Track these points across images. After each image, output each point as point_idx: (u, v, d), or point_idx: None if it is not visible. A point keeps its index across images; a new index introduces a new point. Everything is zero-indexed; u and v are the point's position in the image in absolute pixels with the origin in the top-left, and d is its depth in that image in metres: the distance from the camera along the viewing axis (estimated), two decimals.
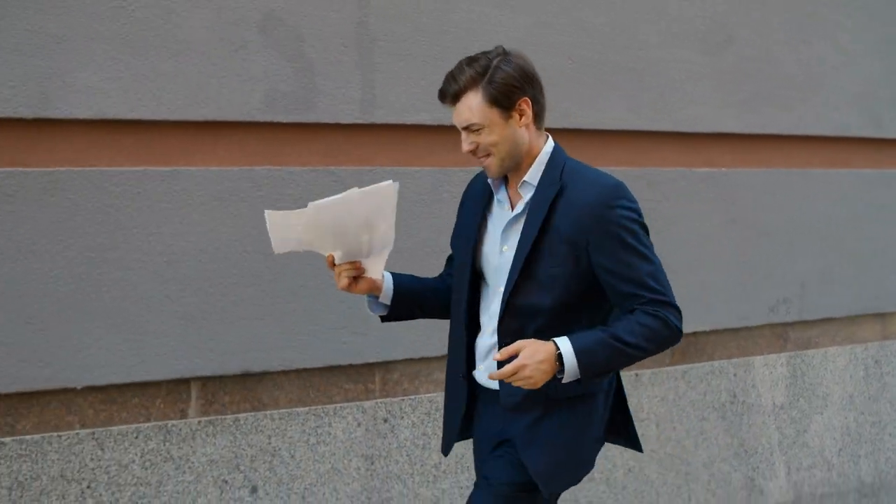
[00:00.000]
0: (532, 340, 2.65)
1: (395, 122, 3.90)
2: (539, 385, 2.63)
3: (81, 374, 3.47)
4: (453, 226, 2.98)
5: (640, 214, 2.73)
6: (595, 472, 4.33)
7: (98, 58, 3.44)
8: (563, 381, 2.65)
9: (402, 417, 3.96)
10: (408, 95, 3.92)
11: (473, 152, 2.74)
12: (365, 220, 2.69)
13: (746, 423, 4.69)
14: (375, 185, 2.69)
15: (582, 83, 4.27)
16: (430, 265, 3.38)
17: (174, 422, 3.61)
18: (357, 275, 2.78)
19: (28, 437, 3.41)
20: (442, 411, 3.20)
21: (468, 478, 4.06)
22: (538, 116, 2.77)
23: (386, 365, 3.95)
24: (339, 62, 3.80)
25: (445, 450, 3.03)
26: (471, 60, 2.72)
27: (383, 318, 2.96)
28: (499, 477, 2.79)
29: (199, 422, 3.64)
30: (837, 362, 4.94)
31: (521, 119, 2.73)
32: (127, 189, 3.50)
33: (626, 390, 4.34)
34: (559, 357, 2.62)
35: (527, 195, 2.78)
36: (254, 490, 3.71)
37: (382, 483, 3.93)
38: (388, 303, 2.90)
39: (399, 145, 3.95)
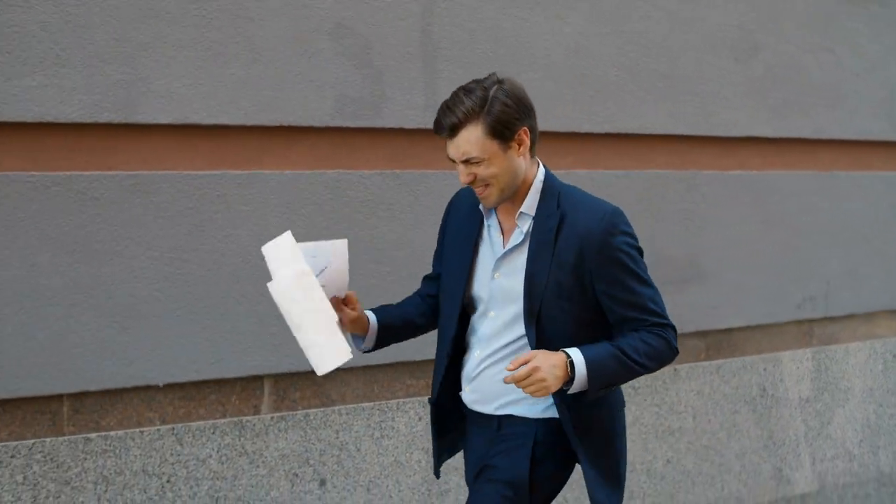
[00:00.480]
0: (543, 350, 2.66)
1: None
2: (551, 391, 2.63)
3: (163, 371, 3.58)
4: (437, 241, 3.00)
5: (636, 240, 2.76)
6: (636, 464, 4.49)
7: (179, 65, 3.55)
8: (570, 391, 2.66)
9: None
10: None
11: (471, 184, 2.71)
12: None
13: (775, 415, 4.88)
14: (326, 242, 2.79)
15: (626, 90, 4.42)
16: None
17: (248, 417, 3.72)
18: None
19: (112, 433, 3.51)
20: None
21: None
22: (533, 144, 2.74)
23: None
24: (404, 69, 3.93)
25: (435, 471, 3.14)
26: (467, 91, 2.68)
27: (366, 351, 3.00)
28: None
29: (272, 417, 3.76)
30: (858, 357, 5.15)
31: (519, 149, 2.70)
32: (206, 192, 3.61)
33: (665, 383, 4.54)
34: (570, 365, 2.63)
35: (524, 225, 2.77)
36: (322, 483, 3.83)
37: (441, 475, 4.06)
38: (372, 345, 2.95)
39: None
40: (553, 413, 2.78)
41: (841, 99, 5.00)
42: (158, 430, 3.58)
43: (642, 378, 4.43)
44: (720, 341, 4.75)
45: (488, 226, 2.84)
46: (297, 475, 3.80)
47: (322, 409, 3.84)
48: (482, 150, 2.65)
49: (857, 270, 5.09)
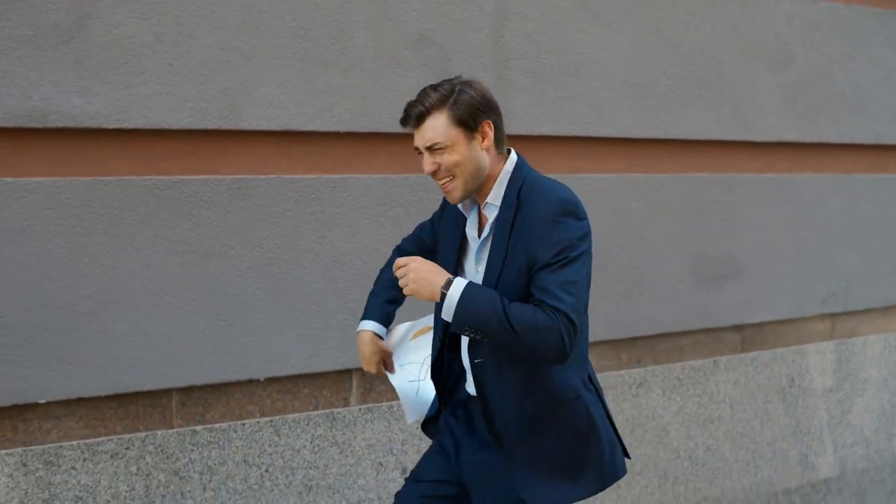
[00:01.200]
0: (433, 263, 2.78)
1: (525, 133, 4.25)
2: (416, 287, 2.69)
3: (263, 366, 3.75)
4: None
5: (582, 226, 2.72)
6: (680, 450, 4.75)
7: (279, 74, 3.72)
8: (443, 313, 2.68)
9: None
10: (535, 108, 4.27)
11: (435, 173, 2.76)
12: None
13: (802, 405, 5.17)
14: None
15: (673, 97, 4.66)
16: None
17: (339, 409, 3.91)
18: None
19: (216, 425, 3.68)
20: None
21: None
22: (498, 140, 2.80)
23: None
24: (478, 78, 4.12)
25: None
26: (434, 86, 2.78)
27: None
28: None
29: (360, 409, 3.95)
30: (875, 349, 5.45)
31: (483, 141, 2.76)
32: (302, 195, 3.79)
33: (706, 374, 4.78)
34: (448, 283, 2.67)
35: (491, 216, 2.81)
36: (404, 472, 4.03)
37: None
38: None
39: (528, 154, 4.29)
40: None
41: (861, 105, 5.30)
42: (258, 422, 3.75)
43: (686, 370, 4.71)
44: (754, 335, 5.02)
45: (470, 222, 2.89)
46: (381, 464, 4.00)
47: None
48: (446, 136, 2.72)
49: (874, 267, 5.39)
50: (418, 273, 2.71)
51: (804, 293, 5.15)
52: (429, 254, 3.01)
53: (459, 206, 2.87)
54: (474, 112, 2.75)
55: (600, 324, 4.50)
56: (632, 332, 4.60)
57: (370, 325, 3.06)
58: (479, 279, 2.80)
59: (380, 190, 3.95)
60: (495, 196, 2.80)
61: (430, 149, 2.75)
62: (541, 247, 2.68)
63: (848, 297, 5.30)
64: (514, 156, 2.85)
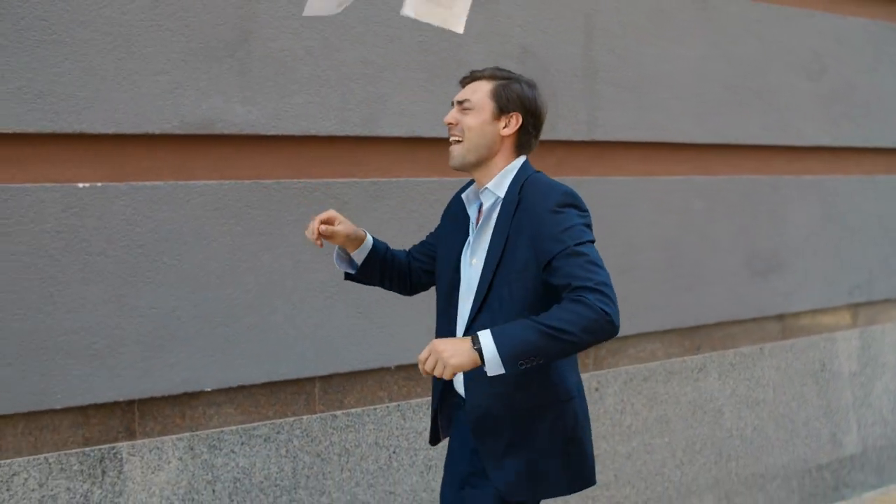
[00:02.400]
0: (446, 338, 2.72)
1: (607, 139, 4.61)
2: (454, 364, 2.60)
3: (393, 355, 4.05)
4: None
5: (584, 214, 2.77)
6: (733, 430, 5.16)
7: (407, 84, 4.02)
8: (488, 369, 2.61)
9: (608, 387, 4.69)
10: (616, 116, 4.63)
11: (451, 126, 2.84)
12: None
13: (832, 388, 5.62)
14: None
15: (728, 105, 5.06)
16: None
17: None
18: (329, 231, 2.92)
19: (352, 410, 3.98)
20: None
21: (655, 436, 4.82)
22: (522, 141, 2.87)
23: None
24: (571, 89, 4.48)
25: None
26: (509, 71, 2.92)
27: (347, 276, 3.11)
28: None
29: None
30: (892, 336, 5.94)
31: (504, 128, 2.83)
32: (427, 196, 4.10)
33: (753, 360, 5.19)
34: (476, 340, 2.61)
35: (487, 201, 2.85)
36: None
37: (595, 441, 4.65)
38: (360, 262, 3.03)
39: (609, 158, 4.66)
40: None
41: (882, 112, 5.77)
42: (387, 406, 4.05)
43: (738, 356, 5.12)
44: (792, 323, 5.46)
45: (471, 217, 2.94)
46: None
47: None
48: (478, 101, 2.82)
49: (891, 261, 5.87)
50: (444, 351, 2.62)
51: (834, 285, 5.60)
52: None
53: (464, 198, 2.95)
54: (514, 100, 2.84)
55: (669, 314, 4.90)
56: (694, 322, 4.99)
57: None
58: (474, 271, 2.85)
59: None
60: (497, 184, 2.84)
61: (460, 104, 2.85)
62: (549, 238, 2.69)
63: (870, 288, 5.77)
64: (523, 158, 2.90)
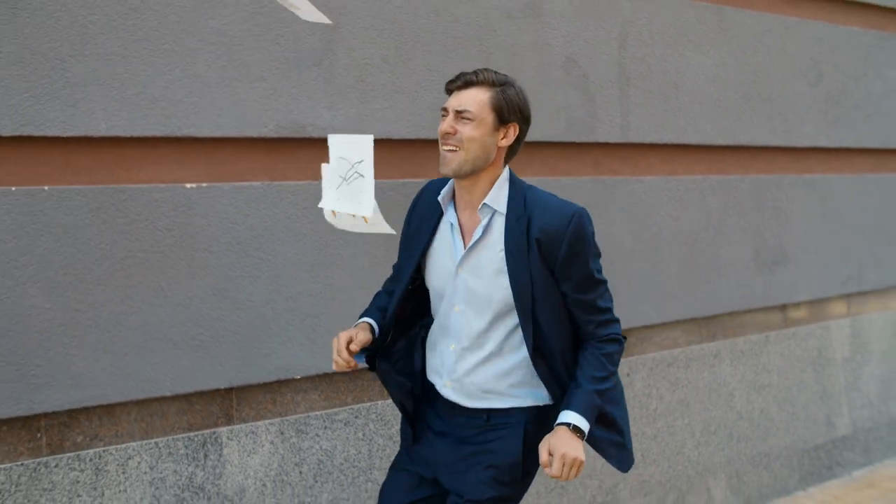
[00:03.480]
0: (546, 439, 2.84)
1: (637, 140, 4.93)
2: (582, 459, 2.80)
3: None
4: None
5: (594, 239, 2.92)
6: (743, 412, 5.52)
7: None
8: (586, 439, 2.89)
9: (637, 372, 5.02)
10: (646, 120, 4.96)
11: (447, 135, 2.83)
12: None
13: (827, 373, 6.02)
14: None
15: (740, 109, 5.42)
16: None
17: None
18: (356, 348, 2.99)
19: None
20: None
21: (677, 419, 5.16)
22: (513, 149, 2.93)
23: (626, 332, 5.00)
24: (607, 95, 4.80)
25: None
26: (493, 70, 2.92)
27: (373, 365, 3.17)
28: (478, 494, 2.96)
29: None
30: (877, 325, 6.36)
31: (503, 138, 2.87)
32: None
33: (760, 347, 5.55)
34: (575, 429, 2.84)
35: (485, 218, 2.89)
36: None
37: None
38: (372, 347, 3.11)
39: (638, 159, 4.99)
40: (540, 401, 3.00)
41: (871, 115, 6.18)
42: None
43: (747, 343, 5.48)
44: (793, 312, 5.84)
45: (448, 221, 2.97)
46: None
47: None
48: (478, 111, 2.82)
49: (879, 254, 6.29)
50: (568, 454, 2.80)
51: (829, 276, 5.99)
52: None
53: (440, 199, 2.97)
54: (513, 109, 2.87)
55: (688, 304, 5.24)
56: (710, 311, 5.34)
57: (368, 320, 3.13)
58: (463, 283, 2.92)
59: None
60: (494, 199, 2.88)
61: (459, 113, 2.83)
62: (573, 264, 2.86)
63: (860, 279, 6.18)
64: (507, 167, 2.96)
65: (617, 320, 2.99)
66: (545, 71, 4.55)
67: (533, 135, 4.51)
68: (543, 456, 2.81)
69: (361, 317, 3.15)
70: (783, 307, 5.78)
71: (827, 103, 5.89)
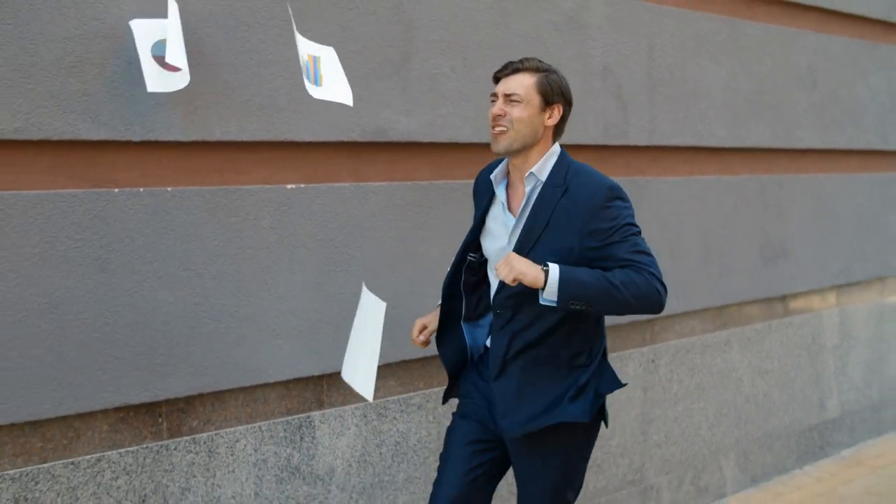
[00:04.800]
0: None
1: (661, 143, 5.30)
2: (522, 274, 2.94)
3: None
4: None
5: (632, 211, 3.10)
6: (749, 395, 5.94)
7: None
8: (544, 294, 2.97)
9: (661, 358, 5.39)
10: (669, 124, 5.34)
11: (498, 117, 3.09)
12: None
13: (819, 359, 6.46)
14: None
15: (748, 114, 5.83)
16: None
17: None
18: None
19: None
20: None
21: (695, 402, 5.55)
22: (559, 129, 3.21)
23: (653, 321, 5.37)
24: (637, 101, 5.16)
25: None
26: (536, 59, 3.19)
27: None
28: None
29: None
30: (862, 314, 6.83)
31: (549, 118, 3.14)
32: None
33: (762, 334, 5.97)
34: (545, 265, 2.99)
35: (529, 186, 3.13)
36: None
37: (651, 407, 5.35)
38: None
39: (662, 161, 5.36)
40: None
41: (856, 119, 6.64)
42: None
43: (753, 332, 5.89)
44: (792, 302, 6.27)
45: (499, 199, 3.22)
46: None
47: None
48: (526, 94, 3.10)
49: (863, 248, 6.76)
50: (517, 261, 3.00)
51: (822, 269, 6.44)
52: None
53: (492, 177, 3.23)
54: (556, 91, 3.15)
55: (704, 295, 5.63)
56: (721, 302, 5.74)
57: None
58: (510, 249, 3.14)
59: None
60: (540, 169, 3.14)
61: (508, 97, 3.11)
62: (598, 229, 3.04)
63: (849, 272, 6.63)
64: (558, 145, 3.22)
65: (659, 279, 3.05)
66: (586, 80, 4.90)
67: (574, 138, 4.85)
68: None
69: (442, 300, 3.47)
70: (783, 298, 6.21)
71: (821, 108, 6.33)
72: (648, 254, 3.08)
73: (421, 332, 3.49)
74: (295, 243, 3.90)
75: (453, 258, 4.20)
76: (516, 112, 3.10)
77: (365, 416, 4.16)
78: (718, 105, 5.62)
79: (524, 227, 3.11)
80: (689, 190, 5.45)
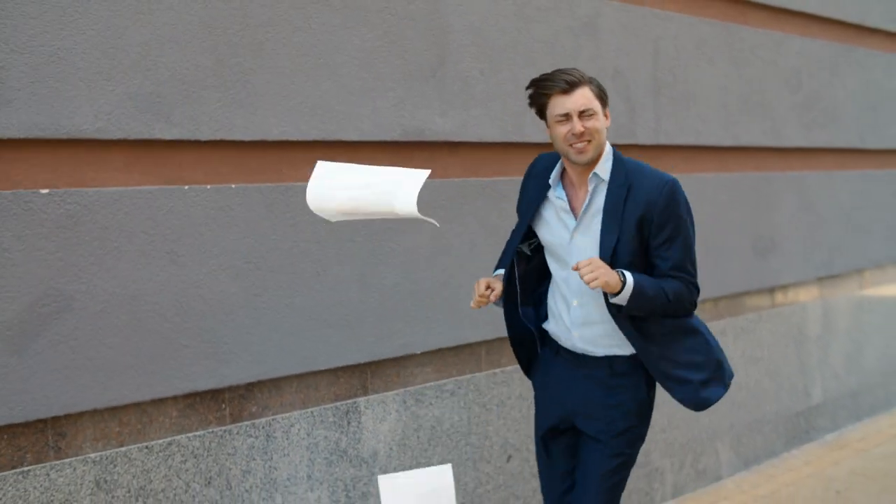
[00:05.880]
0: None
1: (665, 143, 5.57)
2: (607, 282, 3.14)
3: None
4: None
5: (689, 206, 3.37)
6: (742, 383, 6.23)
7: None
8: (615, 299, 3.22)
9: None
10: (672, 124, 5.61)
11: (581, 135, 3.24)
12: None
13: (805, 348, 6.78)
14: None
15: (741, 114, 6.12)
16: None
17: None
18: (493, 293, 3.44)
19: (506, 368, 4.79)
20: None
21: None
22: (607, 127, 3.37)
23: None
24: (645, 102, 5.43)
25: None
26: (571, 69, 3.33)
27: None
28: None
29: None
30: (843, 305, 7.17)
31: (607, 119, 3.33)
32: None
33: (753, 324, 6.27)
34: (623, 276, 3.20)
35: (593, 186, 3.32)
36: None
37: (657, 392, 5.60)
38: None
39: (664, 159, 5.63)
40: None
41: (833, 119, 6.97)
42: None
43: (745, 322, 6.19)
44: (780, 294, 6.58)
45: (556, 194, 3.39)
46: None
47: None
48: (594, 105, 3.27)
49: (843, 242, 7.10)
50: (603, 268, 3.19)
51: (806, 262, 6.76)
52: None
53: (551, 180, 3.40)
54: (605, 95, 3.36)
55: (705, 287, 5.88)
56: (719, 293, 6.02)
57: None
58: (575, 245, 3.34)
59: None
60: (603, 169, 3.33)
61: (582, 114, 3.26)
62: (662, 222, 3.28)
63: (830, 265, 6.97)
64: (610, 144, 3.39)
65: (697, 287, 3.39)
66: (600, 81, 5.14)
67: None
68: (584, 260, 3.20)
69: (496, 270, 3.64)
70: (772, 290, 6.52)
71: (804, 108, 6.65)
72: (695, 263, 3.39)
73: (487, 288, 3.45)
74: (343, 237, 4.10)
75: (481, 251, 4.46)
76: (592, 124, 3.28)
77: (404, 402, 4.37)
78: (715, 106, 5.91)
79: (602, 229, 3.30)
80: (690, 187, 5.64)
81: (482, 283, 3.45)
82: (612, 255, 3.29)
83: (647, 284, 3.27)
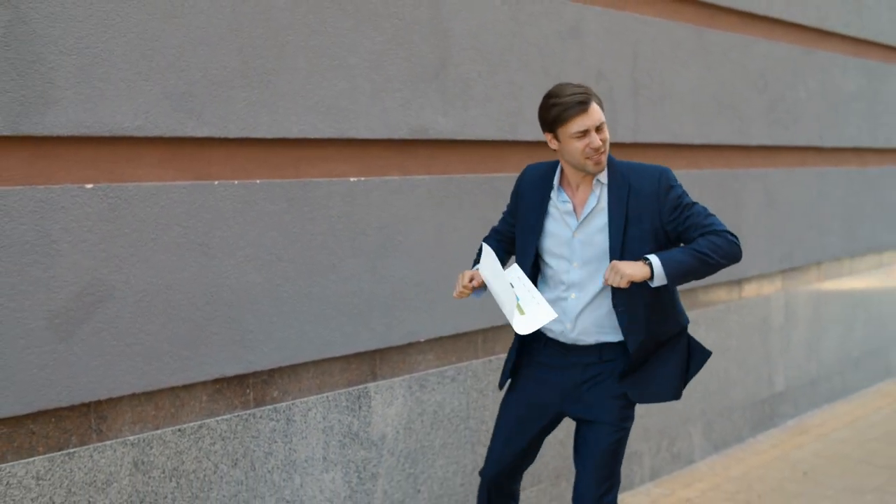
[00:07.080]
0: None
1: (645, 141, 5.85)
2: (634, 277, 3.41)
3: None
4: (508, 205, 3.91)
5: (681, 185, 3.63)
6: (712, 371, 6.53)
7: (537, 100, 5.11)
8: (655, 281, 3.45)
9: None
10: (651, 123, 5.89)
11: (599, 149, 3.53)
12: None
13: (768, 338, 7.11)
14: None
15: (717, 113, 6.42)
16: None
17: None
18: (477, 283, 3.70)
19: (501, 355, 5.03)
20: None
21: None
22: None
23: None
24: (625, 102, 5.70)
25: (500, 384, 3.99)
26: (575, 84, 3.62)
27: None
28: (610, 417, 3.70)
29: None
30: (804, 296, 7.51)
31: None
32: None
33: (722, 314, 6.58)
34: (647, 260, 3.45)
35: (596, 190, 3.60)
36: None
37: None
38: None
39: (645, 157, 5.90)
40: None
41: (795, 119, 7.31)
42: None
43: (711, 312, 6.50)
44: (746, 286, 6.90)
45: (561, 199, 3.64)
46: None
47: None
48: (603, 118, 3.57)
49: (803, 236, 7.44)
50: (624, 266, 3.46)
51: (770, 255, 7.08)
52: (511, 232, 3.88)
53: (555, 180, 3.66)
54: (604, 107, 3.66)
55: None
56: (694, 285, 6.31)
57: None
58: (579, 244, 3.61)
59: None
60: (603, 175, 3.61)
61: (599, 128, 3.55)
62: (668, 208, 3.57)
63: (791, 258, 7.30)
64: None
65: (729, 231, 3.56)
66: (584, 84, 5.40)
67: None
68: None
69: (475, 265, 3.86)
70: (739, 281, 6.83)
71: (769, 108, 6.97)
72: (713, 214, 3.61)
73: (471, 281, 3.70)
74: (357, 230, 4.31)
75: (478, 243, 4.69)
76: (605, 136, 3.59)
77: (409, 388, 4.59)
78: (688, 106, 6.20)
79: (610, 228, 3.57)
80: (697, 183, 6.00)
81: (466, 274, 3.72)
82: (621, 250, 3.55)
83: (676, 253, 3.51)
